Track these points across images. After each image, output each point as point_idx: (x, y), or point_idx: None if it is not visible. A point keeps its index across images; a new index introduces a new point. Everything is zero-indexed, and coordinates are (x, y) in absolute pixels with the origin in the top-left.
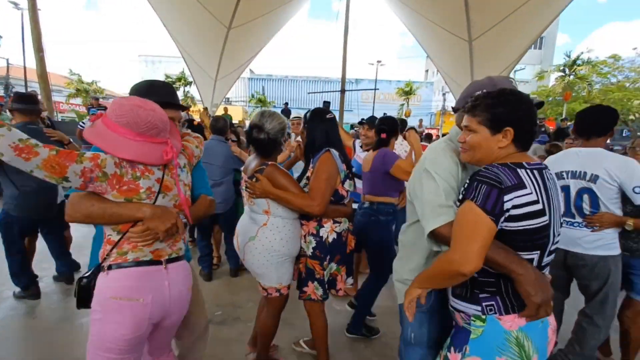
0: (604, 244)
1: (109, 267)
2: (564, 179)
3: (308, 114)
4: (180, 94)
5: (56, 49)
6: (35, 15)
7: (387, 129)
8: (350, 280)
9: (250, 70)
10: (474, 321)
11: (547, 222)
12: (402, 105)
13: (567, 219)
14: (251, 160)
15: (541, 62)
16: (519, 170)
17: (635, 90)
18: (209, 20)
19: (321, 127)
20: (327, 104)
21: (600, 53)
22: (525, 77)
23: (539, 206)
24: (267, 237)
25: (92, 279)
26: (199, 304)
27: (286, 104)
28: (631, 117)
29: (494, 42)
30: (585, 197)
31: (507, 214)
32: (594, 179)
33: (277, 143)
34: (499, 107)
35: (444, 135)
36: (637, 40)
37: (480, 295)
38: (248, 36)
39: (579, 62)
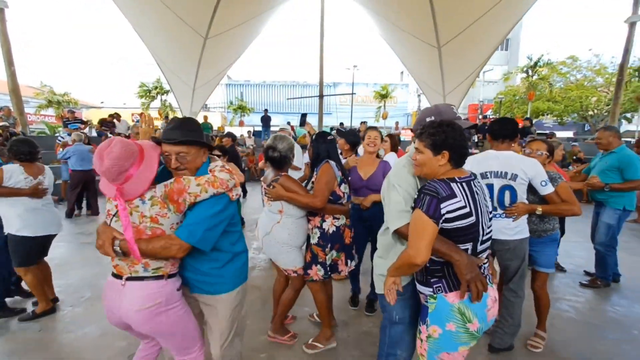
0: (521, 229)
1: None
2: (488, 178)
3: (314, 136)
4: (157, 102)
5: (23, 58)
6: (4, 28)
7: (355, 139)
8: (352, 264)
9: (228, 76)
10: (429, 299)
11: (475, 221)
12: (379, 107)
13: (491, 212)
14: (269, 173)
15: (508, 63)
16: (451, 184)
17: (592, 88)
18: (186, 31)
19: (324, 146)
20: (304, 115)
21: (561, 53)
22: (493, 78)
23: (466, 210)
24: (279, 233)
25: None
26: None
27: (266, 110)
28: (590, 112)
29: (461, 47)
30: (507, 193)
31: (444, 217)
32: (514, 177)
33: (287, 159)
34: (437, 136)
35: None
36: (594, 40)
37: (432, 280)
38: (225, 45)
39: (540, 63)
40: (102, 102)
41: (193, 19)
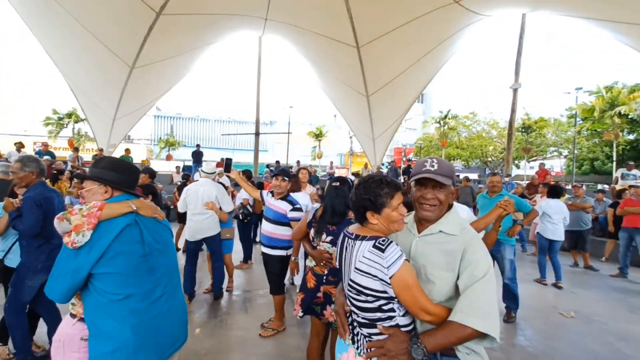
0: None
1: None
2: None
3: (327, 182)
4: (69, 131)
5: None
6: None
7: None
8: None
9: (157, 107)
10: None
11: (338, 267)
12: (314, 147)
13: None
14: None
15: (424, 114)
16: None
17: (489, 139)
18: (109, 57)
19: (330, 191)
20: (229, 160)
21: (465, 108)
22: (413, 126)
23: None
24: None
25: None
26: None
27: (198, 145)
28: (489, 158)
29: (386, 97)
30: None
31: None
32: None
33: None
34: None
35: (353, 174)
36: (489, 100)
37: None
38: (154, 76)
39: (449, 116)
40: None
41: (118, 46)
